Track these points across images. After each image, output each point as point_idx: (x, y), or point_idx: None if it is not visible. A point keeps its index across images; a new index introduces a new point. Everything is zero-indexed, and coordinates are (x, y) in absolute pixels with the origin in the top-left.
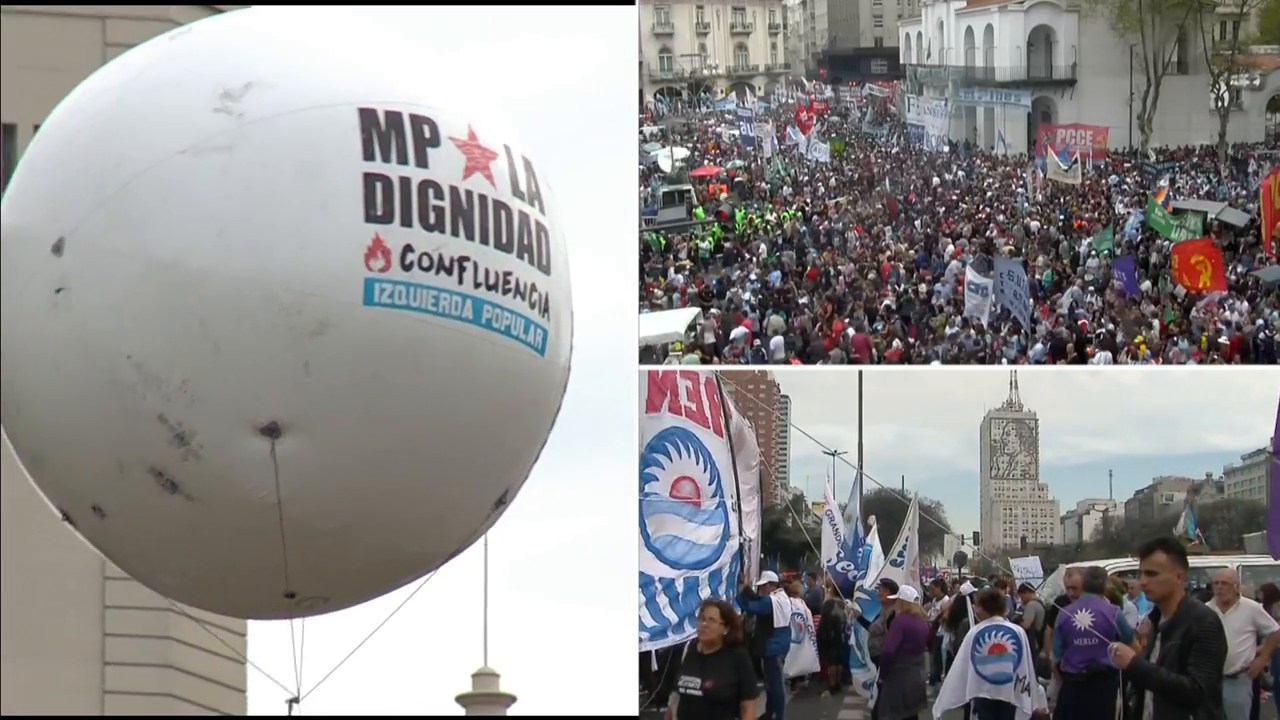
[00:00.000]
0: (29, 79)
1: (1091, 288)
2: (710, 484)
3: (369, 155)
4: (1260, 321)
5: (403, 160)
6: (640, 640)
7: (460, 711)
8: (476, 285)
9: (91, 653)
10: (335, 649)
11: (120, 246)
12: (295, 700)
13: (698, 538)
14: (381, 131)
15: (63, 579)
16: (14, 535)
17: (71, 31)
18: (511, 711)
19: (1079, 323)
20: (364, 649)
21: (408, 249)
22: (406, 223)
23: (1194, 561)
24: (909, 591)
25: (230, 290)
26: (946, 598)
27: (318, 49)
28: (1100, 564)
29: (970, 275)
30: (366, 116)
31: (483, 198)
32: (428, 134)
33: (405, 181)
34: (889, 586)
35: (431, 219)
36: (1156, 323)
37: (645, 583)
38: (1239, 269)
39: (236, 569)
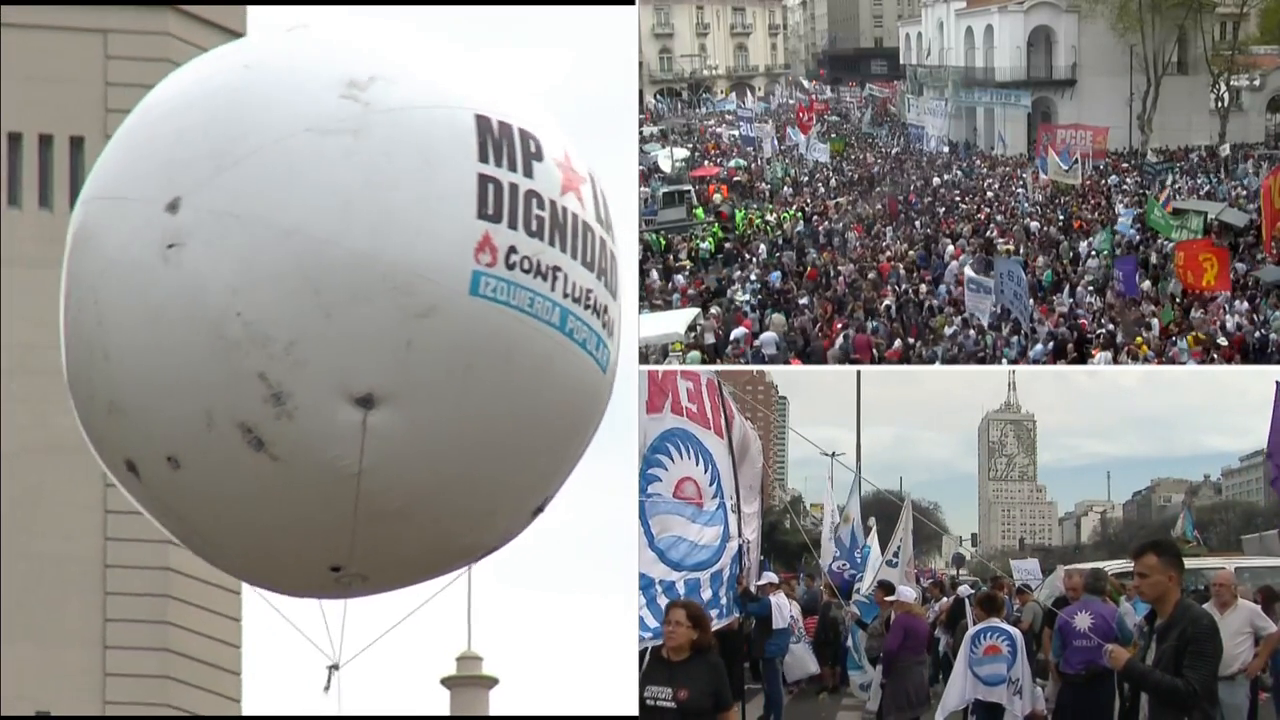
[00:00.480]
0: (33, 90)
1: (1091, 288)
2: (711, 485)
3: (483, 158)
4: (1260, 319)
5: (512, 168)
6: (641, 640)
7: (445, 693)
8: (564, 295)
9: (93, 637)
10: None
11: (241, 211)
12: (335, 667)
13: (699, 539)
14: (495, 139)
15: (65, 567)
16: (18, 525)
17: (74, 45)
18: (493, 693)
19: (1079, 323)
20: (351, 636)
21: (512, 249)
22: (513, 225)
23: (1192, 563)
24: (908, 592)
25: (348, 262)
26: (945, 599)
27: (434, 54)
28: (1100, 565)
29: (970, 274)
30: (482, 123)
31: (574, 216)
32: (533, 149)
33: (514, 187)
34: (885, 588)
35: (533, 226)
36: (1156, 323)
37: (646, 584)
38: (1239, 268)
39: (294, 535)
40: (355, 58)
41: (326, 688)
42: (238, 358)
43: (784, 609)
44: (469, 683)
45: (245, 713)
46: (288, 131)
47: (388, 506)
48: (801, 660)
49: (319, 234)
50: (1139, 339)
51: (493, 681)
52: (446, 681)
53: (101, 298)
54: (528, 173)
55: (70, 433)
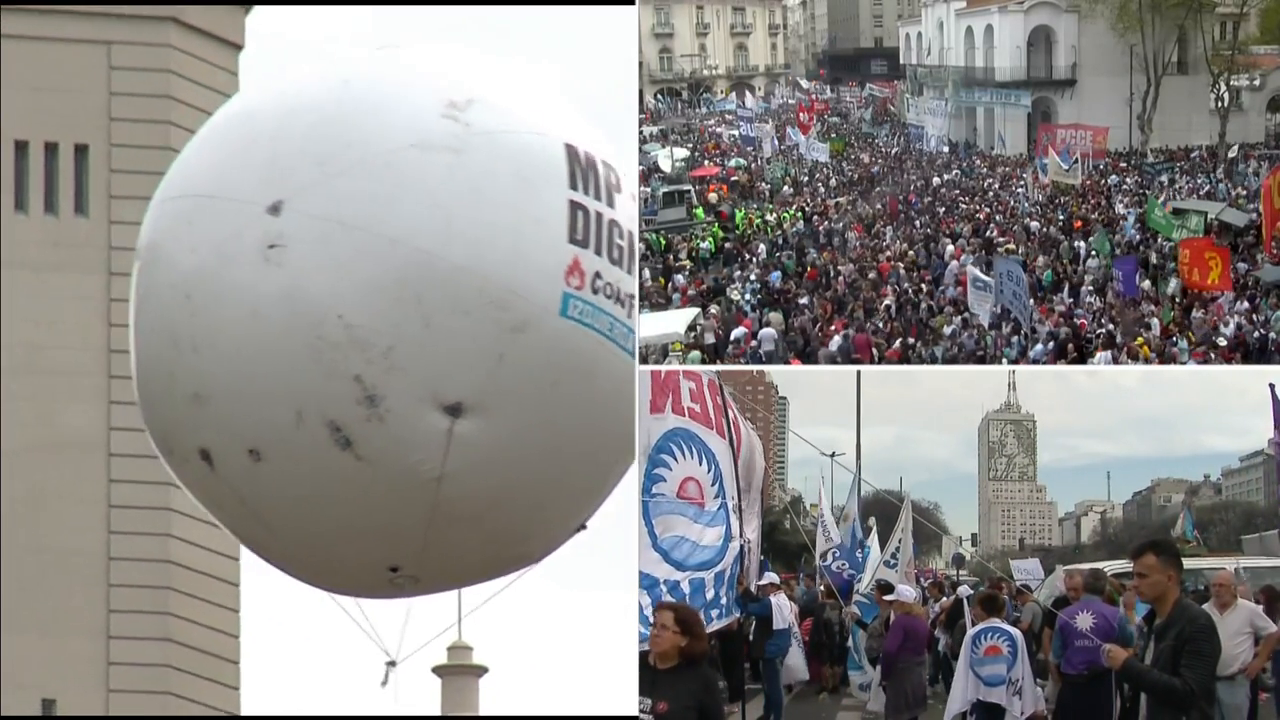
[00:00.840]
0: (39, 99)
1: (1091, 288)
2: (714, 485)
3: (574, 185)
4: (1260, 319)
5: (597, 197)
6: (642, 640)
7: (436, 681)
8: (632, 323)
9: (97, 628)
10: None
11: (346, 217)
12: (393, 664)
13: (701, 539)
14: (582, 168)
15: (69, 560)
16: (24, 520)
17: (78, 56)
18: (483, 682)
19: (1079, 323)
20: (345, 626)
21: (597, 275)
22: (599, 252)
23: (1192, 563)
24: (907, 591)
25: (449, 275)
26: (945, 599)
27: (520, 80)
28: (1100, 565)
29: (974, 272)
30: (571, 152)
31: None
32: (614, 180)
33: (599, 215)
34: (883, 588)
35: (615, 254)
36: (1156, 323)
37: (650, 584)
38: (1239, 269)
39: (365, 534)
40: (451, 80)
41: (384, 682)
42: (335, 359)
43: (784, 609)
44: (459, 671)
45: (244, 701)
46: (393, 146)
47: (461, 512)
48: (792, 665)
49: (423, 246)
50: (1139, 339)
51: (482, 670)
52: (438, 670)
53: (195, 292)
54: (610, 203)
55: (74, 430)
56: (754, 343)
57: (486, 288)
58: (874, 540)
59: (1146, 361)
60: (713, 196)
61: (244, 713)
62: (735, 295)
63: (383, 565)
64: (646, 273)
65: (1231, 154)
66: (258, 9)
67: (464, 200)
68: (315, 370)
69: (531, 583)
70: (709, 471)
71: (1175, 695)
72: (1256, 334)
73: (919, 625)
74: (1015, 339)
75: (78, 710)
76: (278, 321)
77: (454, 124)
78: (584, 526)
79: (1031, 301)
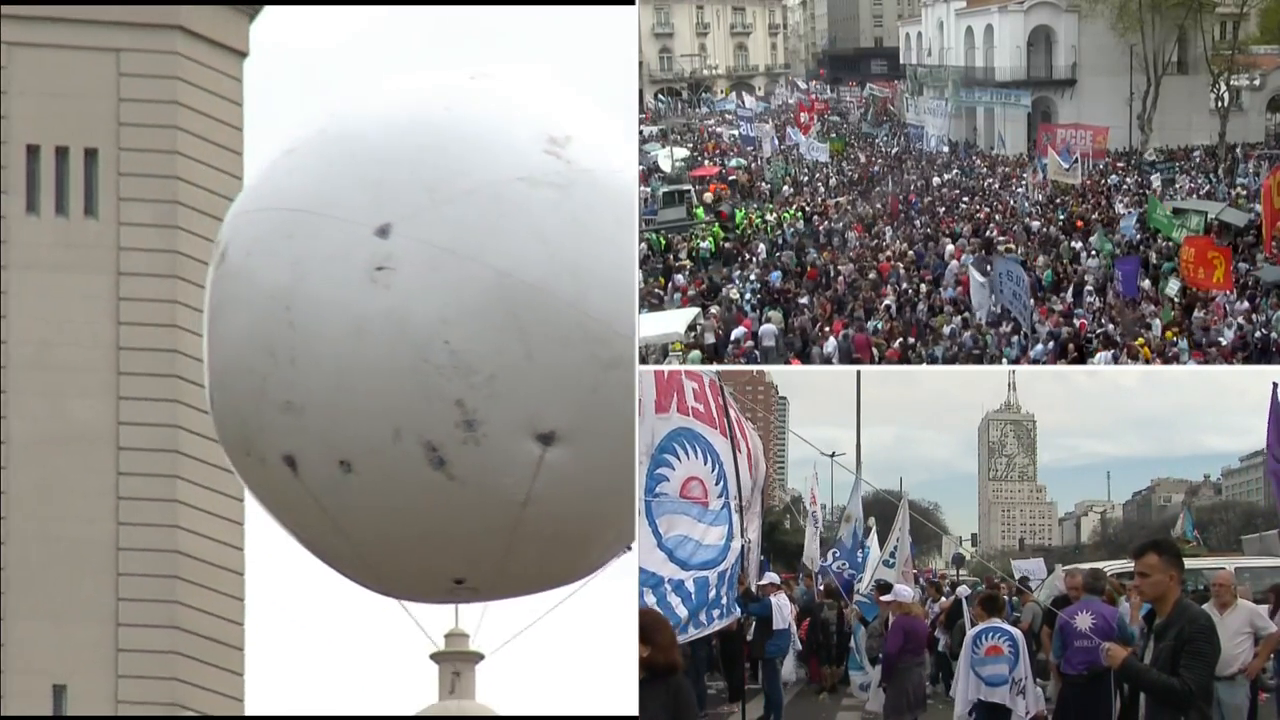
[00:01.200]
0: (51, 105)
1: (1091, 288)
2: (717, 484)
3: None
4: (1261, 319)
5: None
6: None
7: (434, 668)
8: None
9: (106, 615)
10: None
11: (456, 246)
12: (457, 674)
13: (705, 538)
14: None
15: (80, 549)
16: (36, 511)
17: (88, 63)
18: (479, 668)
19: (1078, 324)
20: (347, 613)
21: None
22: None
23: (1192, 563)
24: (905, 591)
25: (554, 308)
26: (944, 599)
27: (606, 117)
28: (1100, 565)
29: (974, 273)
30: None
31: None
32: None
33: None
34: (881, 588)
35: None
36: (1157, 323)
37: (655, 583)
38: (1240, 268)
39: (438, 549)
40: (548, 115)
41: (452, 690)
42: (439, 382)
43: (784, 610)
44: (456, 658)
45: (248, 686)
46: (500, 178)
47: (537, 533)
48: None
49: (530, 279)
50: (1139, 339)
51: (478, 657)
52: (435, 656)
53: (296, 305)
54: None
55: (83, 424)
56: (750, 343)
57: (588, 324)
58: (874, 540)
59: (1147, 362)
60: (708, 196)
61: (248, 698)
62: (735, 295)
63: (450, 577)
64: (654, 274)
65: (1240, 153)
66: (260, 18)
67: (569, 236)
68: (417, 391)
69: None
70: (713, 471)
71: (1174, 695)
72: (1258, 334)
73: (918, 625)
74: (1015, 339)
75: (88, 694)
76: (382, 341)
77: (557, 160)
78: (629, 547)
79: (1032, 301)
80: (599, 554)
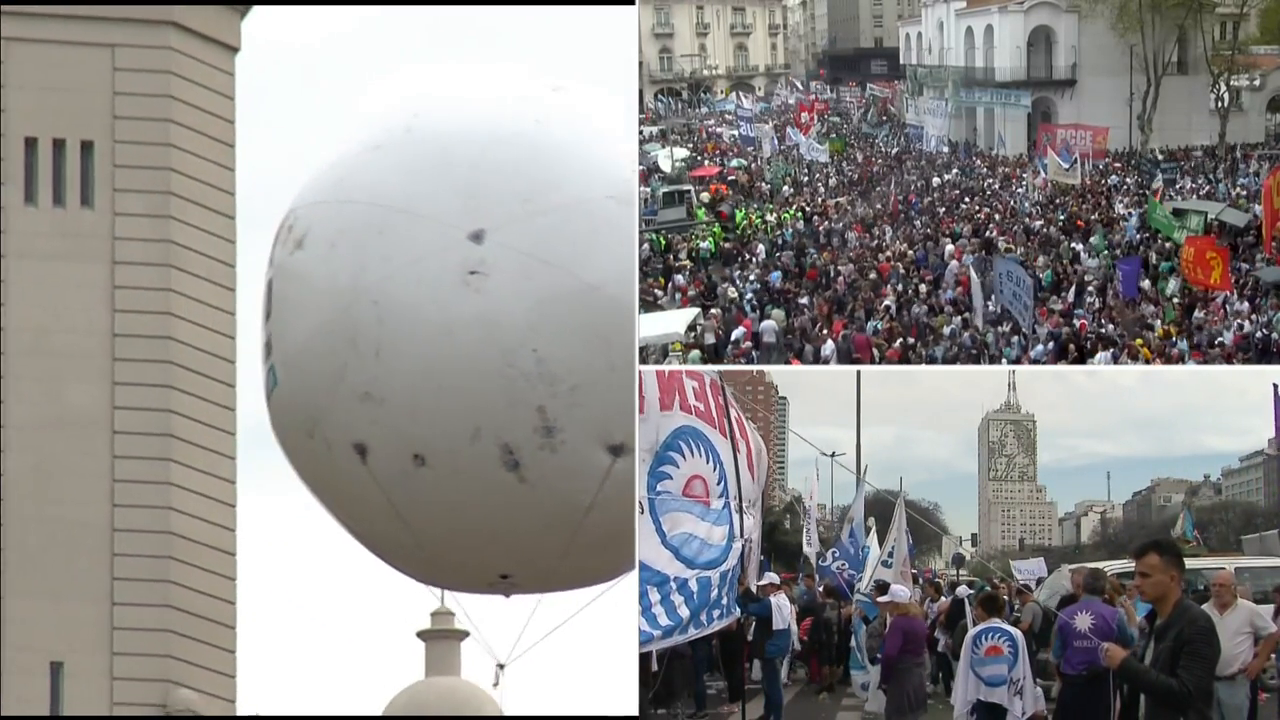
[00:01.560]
0: (48, 99)
1: (1091, 288)
2: (718, 484)
3: None
4: (1261, 319)
5: None
6: (654, 638)
7: (421, 646)
8: None
9: (101, 594)
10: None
11: (549, 257)
12: (502, 666)
13: (709, 537)
14: None
15: (76, 531)
16: (33, 493)
17: (85, 58)
18: (464, 645)
19: (1079, 324)
20: (336, 593)
21: None
22: None
23: (1192, 563)
24: (901, 592)
25: (634, 325)
26: (943, 598)
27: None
28: (1101, 565)
29: (974, 274)
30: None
31: None
32: None
33: None
34: (880, 588)
35: None
36: (1159, 323)
37: (661, 581)
38: (1240, 268)
39: (497, 546)
40: (629, 135)
41: (496, 684)
42: (523, 388)
43: (784, 610)
44: (442, 636)
45: (240, 664)
46: (592, 194)
47: (595, 539)
48: None
49: (618, 292)
50: (1138, 340)
51: (463, 635)
52: (422, 634)
53: (385, 301)
54: None
55: (79, 409)
56: (749, 343)
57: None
58: (873, 540)
59: (1147, 362)
60: (705, 195)
61: (240, 675)
62: (734, 295)
63: (498, 572)
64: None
65: (1229, 150)
66: (252, 14)
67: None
68: (500, 395)
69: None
70: (714, 470)
71: (1173, 695)
72: (1258, 334)
73: (917, 626)
74: (1015, 339)
75: (83, 670)
76: (470, 343)
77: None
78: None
79: (1032, 302)
80: (630, 558)
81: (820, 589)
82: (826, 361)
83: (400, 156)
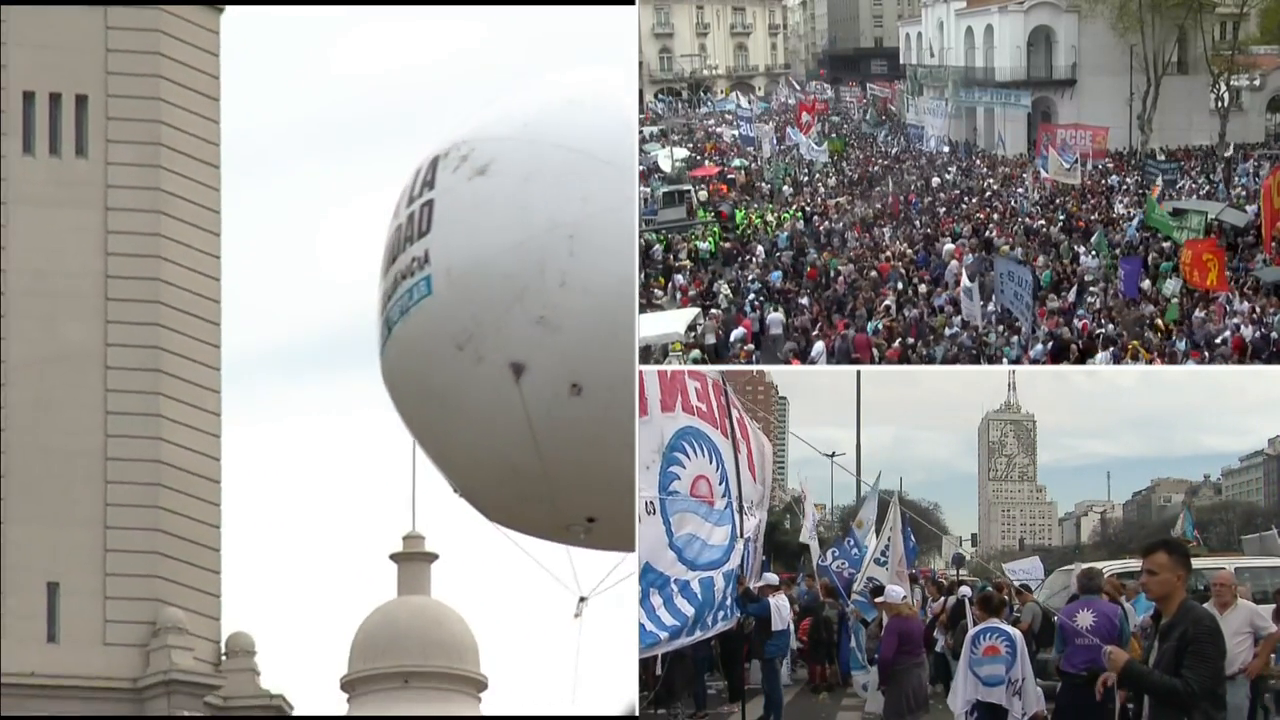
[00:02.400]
0: (45, 55)
1: (1092, 288)
2: (720, 484)
3: None
4: (1259, 319)
5: None
6: (661, 640)
7: (394, 568)
8: None
9: (95, 519)
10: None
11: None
12: (584, 599)
13: (711, 538)
14: None
15: (72, 460)
16: (32, 425)
17: (80, 17)
18: (434, 567)
19: (1080, 324)
20: (311, 518)
21: None
22: None
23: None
24: (895, 592)
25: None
26: (944, 598)
27: None
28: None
29: (965, 281)
30: None
31: None
32: None
33: None
34: (875, 590)
35: None
36: (1161, 323)
37: (663, 584)
38: (1241, 268)
39: (610, 485)
40: None
41: (577, 614)
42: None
43: (783, 610)
44: (413, 558)
45: (224, 584)
46: None
47: None
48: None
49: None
50: (1135, 342)
51: (433, 557)
52: (394, 557)
53: (581, 236)
54: None
55: (75, 345)
56: (751, 344)
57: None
58: (871, 540)
59: (1148, 362)
60: (702, 195)
61: (224, 595)
62: (734, 295)
63: (589, 514)
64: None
65: (1229, 150)
66: None
67: None
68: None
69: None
70: (716, 470)
71: (1177, 696)
72: (1259, 334)
73: (912, 626)
74: (1015, 339)
75: (78, 591)
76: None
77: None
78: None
79: (1033, 302)
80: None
81: (818, 587)
82: (814, 362)
83: (598, 116)
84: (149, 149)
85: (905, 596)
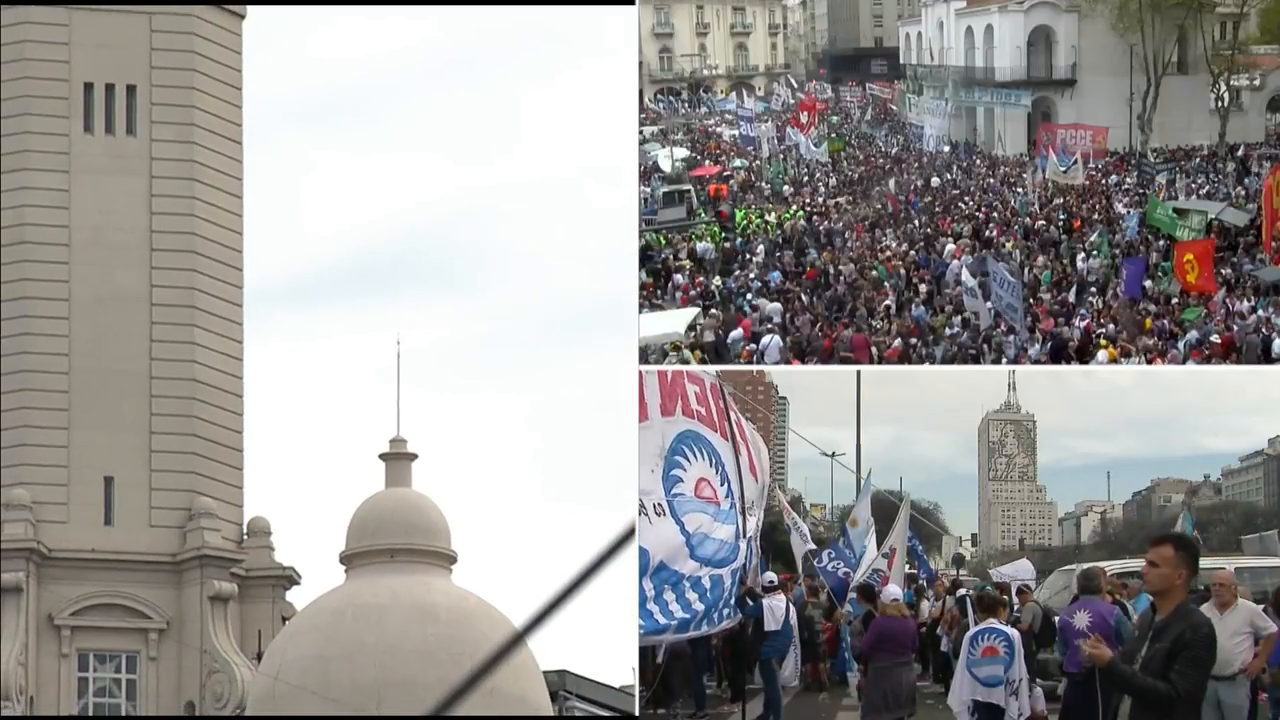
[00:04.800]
0: (103, 54)
1: (1094, 289)
2: (721, 485)
3: None
4: (1257, 317)
5: None
6: (661, 630)
7: (382, 465)
8: None
9: (143, 426)
10: None
11: None
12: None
13: (722, 535)
14: None
15: (124, 379)
16: (93, 352)
17: (131, 24)
18: (415, 466)
19: (1083, 324)
20: (315, 424)
21: None
22: None
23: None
24: (892, 592)
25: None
26: (948, 597)
27: None
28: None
29: (965, 276)
30: None
31: None
32: None
33: None
34: (863, 592)
35: None
36: (1164, 322)
37: (676, 580)
38: (1243, 268)
39: None
40: None
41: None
42: None
43: (776, 611)
44: (398, 457)
45: (246, 477)
46: None
47: None
48: (787, 666)
49: None
50: (1120, 345)
51: (414, 457)
52: (382, 456)
53: None
54: None
55: (127, 288)
56: (752, 345)
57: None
58: (870, 540)
59: (1114, 362)
60: (705, 195)
61: (246, 485)
62: (734, 295)
63: None
64: (644, 273)
65: (1229, 150)
66: None
67: None
68: None
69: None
70: (717, 472)
71: (1159, 699)
72: (1259, 334)
73: (897, 625)
74: (1012, 338)
75: (129, 483)
76: None
77: None
78: None
79: (1028, 303)
80: None
81: (802, 589)
82: (764, 356)
83: None
84: (184, 128)
85: (896, 599)
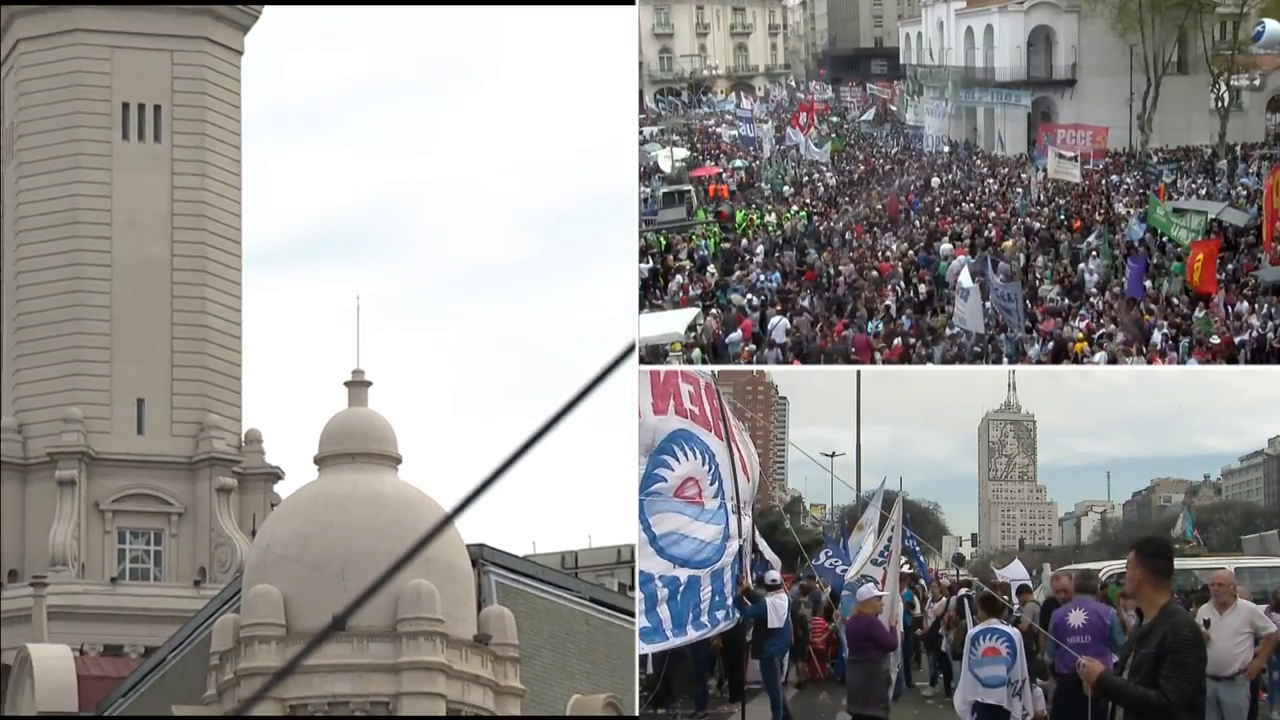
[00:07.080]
0: (136, 80)
1: (1094, 289)
2: (713, 484)
3: None
4: (1260, 319)
5: None
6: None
7: (345, 390)
8: None
9: (165, 361)
10: None
11: None
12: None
13: (703, 536)
14: None
15: (152, 326)
16: (130, 305)
17: (155, 57)
18: (371, 391)
19: (1084, 324)
20: (296, 358)
21: None
22: None
23: (1192, 563)
24: (864, 590)
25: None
26: (946, 598)
27: None
28: (1090, 566)
29: (963, 279)
30: None
31: None
32: None
33: None
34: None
35: None
36: (1165, 322)
37: (645, 580)
38: (1244, 268)
39: None
40: None
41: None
42: None
43: (780, 609)
44: (358, 384)
45: (244, 399)
46: None
47: None
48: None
49: None
50: (1077, 344)
51: (370, 384)
52: (346, 383)
53: None
54: None
55: (153, 258)
56: (769, 326)
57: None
58: (869, 539)
59: (1079, 358)
60: (705, 195)
61: (244, 406)
62: (735, 297)
63: None
64: (645, 272)
65: (1229, 150)
66: (254, 30)
67: None
68: None
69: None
70: (709, 471)
71: (1151, 707)
72: (1258, 334)
73: (873, 623)
74: (1004, 337)
75: (154, 405)
76: None
77: None
78: None
79: (1019, 308)
80: None
81: (796, 588)
82: (771, 339)
83: None
84: (197, 136)
85: (874, 596)
